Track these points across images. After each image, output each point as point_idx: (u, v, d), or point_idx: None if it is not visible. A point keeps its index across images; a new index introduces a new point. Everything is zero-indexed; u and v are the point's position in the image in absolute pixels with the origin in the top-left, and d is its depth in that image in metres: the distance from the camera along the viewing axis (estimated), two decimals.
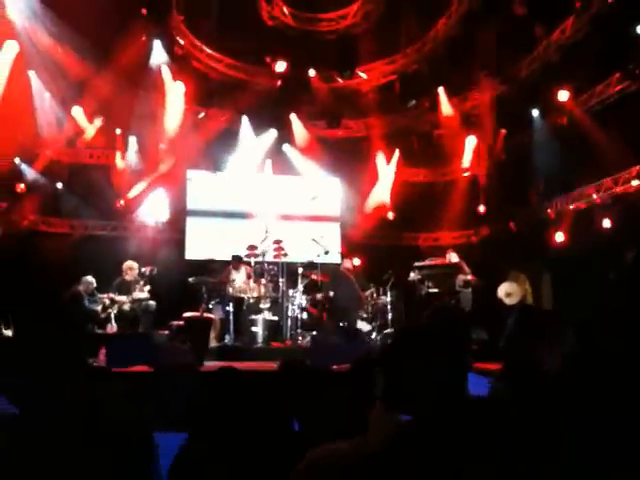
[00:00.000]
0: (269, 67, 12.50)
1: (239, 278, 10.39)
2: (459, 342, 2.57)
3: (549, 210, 12.22)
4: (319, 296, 10.62)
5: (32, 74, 11.26)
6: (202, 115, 13.37)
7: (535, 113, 12.26)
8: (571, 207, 11.81)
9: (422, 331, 2.05)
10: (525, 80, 12.06)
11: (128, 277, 10.18)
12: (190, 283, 10.20)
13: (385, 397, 1.87)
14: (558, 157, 11.65)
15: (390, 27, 12.56)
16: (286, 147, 14.08)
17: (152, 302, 10.08)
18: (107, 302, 9.83)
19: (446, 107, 13.23)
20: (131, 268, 10.22)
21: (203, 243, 12.75)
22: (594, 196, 11.24)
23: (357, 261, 11.91)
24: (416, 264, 10.98)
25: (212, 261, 11.54)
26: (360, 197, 14.28)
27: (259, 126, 13.76)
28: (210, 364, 7.95)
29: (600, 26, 10.10)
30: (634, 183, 10.49)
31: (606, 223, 10.83)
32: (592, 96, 11.32)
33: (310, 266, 11.08)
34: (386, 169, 14.37)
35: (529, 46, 11.83)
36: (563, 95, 11.30)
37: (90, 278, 10.06)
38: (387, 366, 1.92)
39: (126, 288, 10.08)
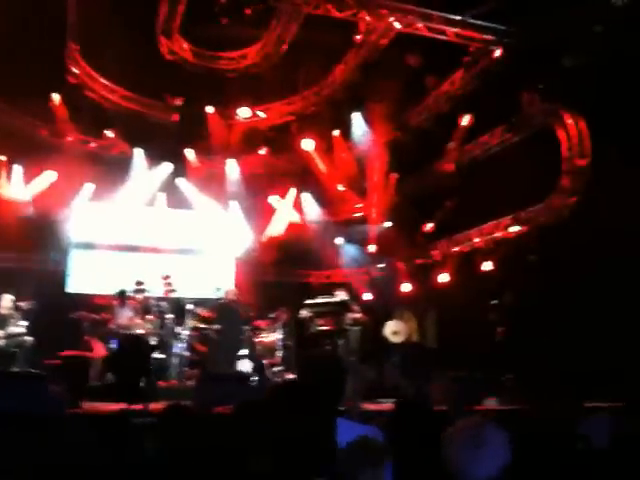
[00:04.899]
0: (166, 101, 12.37)
1: (124, 314, 10.01)
2: (329, 397, 2.58)
3: (435, 251, 12.71)
4: (207, 333, 10.39)
5: None
6: (93, 145, 12.98)
7: (425, 159, 12.80)
8: (455, 249, 12.35)
9: (293, 389, 2.08)
10: (417, 127, 12.63)
11: (2, 311, 9.54)
12: (72, 319, 9.70)
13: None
14: (445, 201, 12.22)
15: (290, 69, 12.80)
16: (181, 181, 13.88)
17: (29, 338, 9.48)
18: None
19: (341, 149, 13.59)
20: (5, 301, 9.60)
21: (87, 276, 12.22)
22: (476, 240, 11.81)
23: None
24: (307, 301, 11.04)
25: (96, 296, 11.06)
26: (255, 233, 14.26)
27: (153, 159, 13.51)
28: (89, 405, 7.54)
29: (486, 80, 10.79)
30: (513, 229, 11.13)
31: (487, 266, 11.38)
32: (478, 145, 11.99)
33: (200, 302, 10.87)
34: (281, 206, 14.48)
35: (421, 95, 12.43)
36: (450, 144, 11.91)
37: None
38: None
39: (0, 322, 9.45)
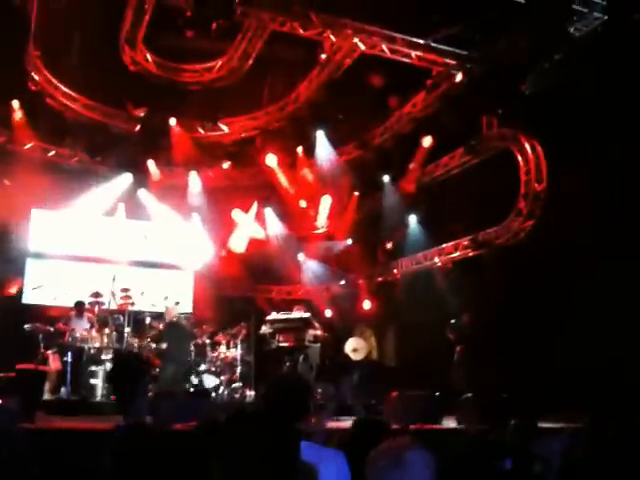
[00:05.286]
0: (128, 111, 12.24)
1: (80, 326, 9.82)
2: (294, 418, 2.59)
3: (395, 270, 12.85)
4: (164, 347, 10.24)
5: None
6: (52, 153, 12.75)
7: (386, 179, 12.96)
8: (415, 268, 12.51)
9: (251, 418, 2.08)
10: (379, 147, 12.79)
11: None
12: (26, 330, 9.46)
13: None
14: (406, 221, 12.38)
15: (255, 84, 12.84)
16: (141, 192, 13.72)
17: None
18: None
19: (305, 166, 13.66)
20: None
21: (44, 287, 11.94)
22: (436, 259, 11.99)
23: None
24: (268, 317, 11.01)
25: (52, 307, 10.82)
26: (216, 247, 14.17)
27: (114, 169, 13.33)
28: (44, 420, 7.35)
29: (448, 103, 11.02)
30: (471, 250, 11.34)
31: (445, 285, 11.56)
32: (438, 167, 12.21)
33: (158, 316, 10.73)
34: (243, 220, 14.44)
35: (384, 115, 12.61)
36: (411, 164, 12.09)
37: None
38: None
39: None
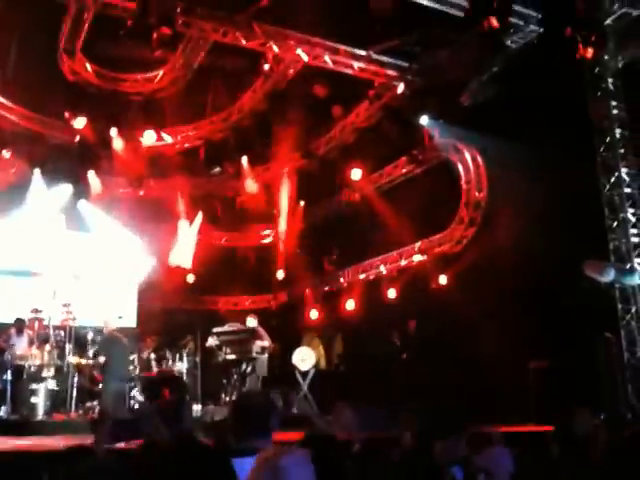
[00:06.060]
0: (68, 121, 11.94)
1: (20, 343, 9.50)
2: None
3: (342, 279, 12.93)
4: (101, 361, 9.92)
5: None
6: None
7: (331, 188, 13.05)
8: (361, 277, 12.61)
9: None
10: (323, 157, 12.87)
11: None
12: None
13: None
14: (351, 230, 12.49)
15: (198, 95, 12.74)
16: (82, 203, 13.39)
17: None
18: None
19: (249, 175, 13.62)
20: None
21: None
22: (381, 268, 12.13)
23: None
24: (214, 330, 10.89)
25: None
26: (160, 258, 13.94)
27: (53, 180, 12.96)
28: None
29: (390, 114, 11.19)
30: (416, 258, 11.51)
31: (392, 293, 11.69)
32: (382, 176, 12.37)
33: (100, 331, 10.46)
34: (188, 231, 14.26)
35: (328, 125, 12.70)
36: (356, 173, 12.20)
37: None
38: None
39: None
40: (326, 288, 13.42)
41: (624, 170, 9.00)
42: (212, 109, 13.35)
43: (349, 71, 10.49)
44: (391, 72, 10.59)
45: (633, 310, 8.64)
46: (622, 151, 9.02)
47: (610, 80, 9.17)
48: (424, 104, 10.63)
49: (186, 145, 13.52)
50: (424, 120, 10.93)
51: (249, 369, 10.20)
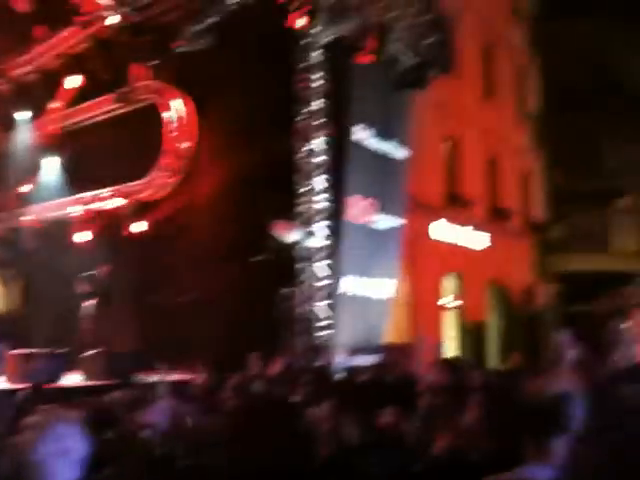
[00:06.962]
0: None
1: None
2: None
3: (24, 217, 11.89)
4: None
5: None
6: None
7: (23, 116, 11.74)
8: (48, 216, 11.70)
9: None
10: (18, 80, 11.50)
11: None
12: None
13: None
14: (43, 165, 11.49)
15: None
16: None
17: None
18: None
19: None
20: None
21: None
22: (72, 209, 11.38)
23: None
24: None
25: None
26: None
27: None
28: None
29: (98, 45, 10.40)
30: (114, 202, 11.05)
31: (84, 236, 11.07)
32: (82, 110, 11.52)
33: None
34: None
35: (28, 46, 11.33)
36: (56, 104, 11.17)
37: None
38: None
39: None
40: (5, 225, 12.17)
41: (317, 140, 9.56)
42: None
43: None
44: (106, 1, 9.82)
45: (311, 269, 9.37)
46: (318, 122, 9.56)
47: (316, 53, 9.57)
48: (136, 43, 10.06)
49: None
50: (134, 59, 10.30)
51: None
